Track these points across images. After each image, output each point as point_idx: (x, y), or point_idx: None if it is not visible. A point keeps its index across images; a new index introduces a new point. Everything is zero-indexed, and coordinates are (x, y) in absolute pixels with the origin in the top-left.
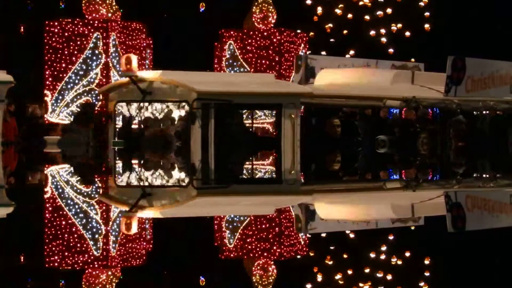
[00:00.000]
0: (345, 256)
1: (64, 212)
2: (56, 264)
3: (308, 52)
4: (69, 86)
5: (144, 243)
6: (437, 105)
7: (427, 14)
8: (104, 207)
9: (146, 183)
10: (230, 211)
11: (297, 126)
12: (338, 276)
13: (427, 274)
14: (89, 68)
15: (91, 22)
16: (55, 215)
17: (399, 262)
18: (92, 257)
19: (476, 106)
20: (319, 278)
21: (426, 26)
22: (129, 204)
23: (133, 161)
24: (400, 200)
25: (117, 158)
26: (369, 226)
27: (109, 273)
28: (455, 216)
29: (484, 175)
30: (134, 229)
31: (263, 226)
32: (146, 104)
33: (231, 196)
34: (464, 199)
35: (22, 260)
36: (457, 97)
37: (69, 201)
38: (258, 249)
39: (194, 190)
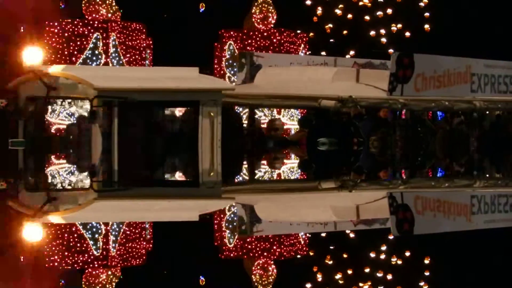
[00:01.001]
0: (345, 256)
1: None
2: (56, 264)
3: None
4: None
5: (144, 243)
6: (379, 105)
7: (427, 14)
8: None
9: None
10: (143, 217)
11: (217, 124)
12: (338, 276)
13: (427, 274)
14: None
15: (91, 22)
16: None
17: (399, 262)
18: (92, 257)
19: (428, 106)
20: (319, 277)
21: (426, 26)
22: (34, 209)
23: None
24: (343, 201)
25: (25, 159)
26: (327, 229)
27: (109, 273)
28: (401, 219)
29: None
30: (39, 235)
31: None
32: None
33: (136, 200)
34: (413, 201)
35: (22, 260)
36: (404, 97)
37: None
38: (258, 249)
39: (94, 193)
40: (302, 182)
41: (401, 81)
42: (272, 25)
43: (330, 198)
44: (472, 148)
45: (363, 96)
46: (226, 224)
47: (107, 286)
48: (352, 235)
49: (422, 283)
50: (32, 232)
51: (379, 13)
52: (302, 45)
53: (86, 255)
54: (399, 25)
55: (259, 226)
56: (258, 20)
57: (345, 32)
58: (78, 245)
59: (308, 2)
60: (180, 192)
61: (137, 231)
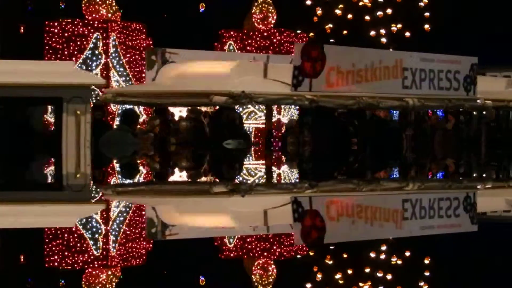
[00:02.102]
0: (345, 255)
1: None
2: (56, 264)
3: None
4: None
5: (144, 243)
6: (280, 102)
7: (427, 14)
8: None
9: None
10: (16, 223)
11: (86, 123)
12: (338, 276)
13: (427, 274)
14: (89, 68)
15: (91, 22)
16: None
17: (399, 262)
18: (92, 257)
19: (345, 102)
20: (319, 277)
21: (426, 26)
22: None
23: None
24: (248, 206)
25: None
26: (256, 232)
27: (109, 273)
28: (308, 226)
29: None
30: None
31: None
32: None
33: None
34: (325, 206)
35: (22, 260)
36: (312, 93)
37: None
38: (258, 248)
39: None
40: (195, 184)
41: (309, 75)
42: (272, 25)
43: (233, 202)
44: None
45: (261, 92)
46: None
47: (107, 286)
48: None
49: (422, 283)
50: None
51: (379, 13)
52: None
53: (86, 255)
54: (399, 25)
55: (173, 229)
56: (258, 20)
57: (345, 32)
58: (78, 245)
59: (308, 2)
60: (44, 196)
61: (137, 231)
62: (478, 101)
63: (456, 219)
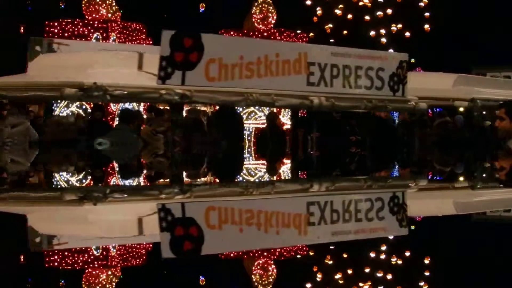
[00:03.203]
0: (345, 255)
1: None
2: (56, 264)
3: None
4: None
5: (144, 243)
6: (143, 96)
7: (427, 14)
8: None
9: None
10: None
11: None
12: (338, 276)
13: (427, 274)
14: None
15: (91, 22)
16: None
17: (399, 262)
18: (92, 257)
19: (229, 99)
20: (319, 277)
21: (426, 26)
22: None
23: None
24: (120, 214)
25: None
26: (139, 240)
27: (109, 273)
28: (180, 237)
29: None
30: None
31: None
32: None
33: None
34: (203, 213)
35: (22, 260)
36: (185, 87)
37: None
38: (258, 248)
39: None
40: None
41: (181, 67)
42: (272, 25)
43: (103, 210)
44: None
45: (119, 84)
46: None
47: (107, 286)
48: None
49: (422, 283)
50: None
51: (379, 13)
52: None
53: (86, 255)
54: (399, 25)
55: (62, 238)
56: (258, 20)
57: (345, 32)
58: None
59: (308, 2)
60: None
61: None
62: (412, 102)
63: (380, 222)
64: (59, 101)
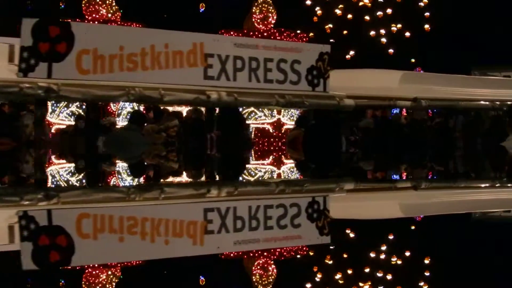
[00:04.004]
0: (345, 255)
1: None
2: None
3: None
4: None
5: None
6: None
7: (427, 14)
8: None
9: None
10: None
11: None
12: (338, 276)
13: (427, 274)
14: None
15: (91, 22)
16: None
17: (399, 262)
18: None
19: (109, 94)
20: (319, 277)
21: (426, 26)
22: None
23: None
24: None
25: None
26: (11, 248)
27: (109, 273)
28: (45, 247)
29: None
30: None
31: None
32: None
33: None
34: (74, 221)
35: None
36: (51, 80)
37: None
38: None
39: None
40: None
41: (46, 58)
42: (272, 25)
43: None
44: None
45: None
46: None
47: (107, 286)
48: (352, 235)
49: (422, 283)
50: None
51: (379, 13)
52: None
53: None
54: (399, 25)
55: None
56: (258, 20)
57: (345, 32)
58: None
59: (308, 2)
60: None
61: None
62: (336, 98)
63: (295, 230)
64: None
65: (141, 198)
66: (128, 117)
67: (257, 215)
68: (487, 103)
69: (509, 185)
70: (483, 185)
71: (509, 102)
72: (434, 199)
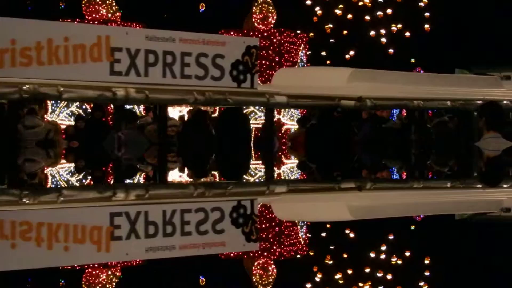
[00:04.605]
0: (345, 255)
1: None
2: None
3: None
4: None
5: None
6: None
7: (427, 14)
8: None
9: None
10: None
11: None
12: (338, 276)
13: (427, 274)
14: None
15: (91, 22)
16: None
17: (399, 262)
18: None
19: (2, 91)
20: (319, 277)
21: (426, 26)
22: None
23: None
24: None
25: None
26: None
27: (109, 273)
28: None
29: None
30: None
31: (263, 225)
32: None
33: None
34: None
35: None
36: None
37: None
38: (258, 248)
39: None
40: None
41: None
42: (272, 25)
43: None
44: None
45: None
46: None
47: (107, 286)
48: (352, 235)
49: (422, 283)
50: None
51: (379, 13)
52: (302, 45)
53: None
54: (399, 25)
55: None
56: (258, 20)
57: (345, 32)
58: None
59: (308, 2)
60: None
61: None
62: (266, 95)
63: (218, 236)
64: (58, 102)
65: (36, 201)
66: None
67: (172, 220)
68: (448, 102)
69: (478, 186)
70: (448, 186)
71: (479, 102)
72: (387, 201)
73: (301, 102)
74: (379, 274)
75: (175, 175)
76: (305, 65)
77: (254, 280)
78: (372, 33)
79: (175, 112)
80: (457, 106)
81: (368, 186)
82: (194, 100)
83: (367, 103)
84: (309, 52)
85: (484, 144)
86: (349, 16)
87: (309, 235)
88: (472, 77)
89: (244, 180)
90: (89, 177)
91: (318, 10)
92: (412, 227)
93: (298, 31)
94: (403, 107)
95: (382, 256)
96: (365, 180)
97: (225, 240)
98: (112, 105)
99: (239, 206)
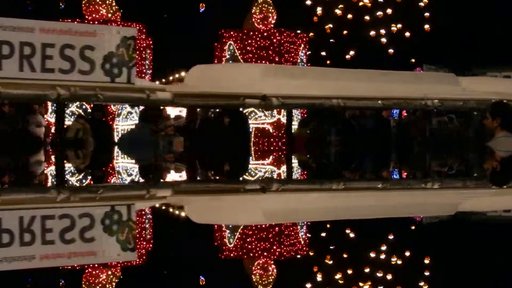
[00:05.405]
0: (345, 255)
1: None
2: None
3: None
4: None
5: (144, 243)
6: None
7: (427, 14)
8: None
9: None
10: None
11: None
12: (338, 276)
13: (427, 274)
14: None
15: (91, 22)
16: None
17: (399, 262)
18: None
19: None
20: (319, 277)
21: (426, 26)
22: None
23: None
24: None
25: None
26: None
27: (109, 273)
28: None
29: None
30: None
31: (263, 225)
32: None
33: None
34: None
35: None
36: None
37: None
38: (258, 248)
39: None
40: None
41: None
42: (272, 25)
43: None
44: None
45: None
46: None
47: (107, 286)
48: (352, 235)
49: (422, 283)
50: None
51: (379, 13)
52: (302, 45)
53: None
54: (399, 25)
55: None
56: (258, 20)
57: (345, 32)
58: None
59: (308, 2)
60: None
61: (137, 231)
62: (146, 91)
63: (88, 245)
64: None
65: None
66: (138, 116)
67: (31, 228)
68: (379, 101)
69: (434, 187)
70: (379, 187)
71: (422, 101)
72: (307, 204)
73: (188, 101)
74: (379, 274)
75: (174, 176)
76: (305, 65)
77: (254, 280)
78: (372, 33)
79: (175, 111)
80: (390, 105)
81: (275, 187)
82: (57, 96)
83: (273, 102)
84: (309, 52)
85: (497, 143)
86: (349, 16)
87: (309, 235)
88: (425, 74)
89: (117, 184)
90: (89, 177)
91: (318, 10)
92: (412, 227)
93: (298, 31)
94: (319, 106)
95: (382, 256)
96: (270, 182)
97: (95, 250)
98: (112, 105)
99: (113, 212)
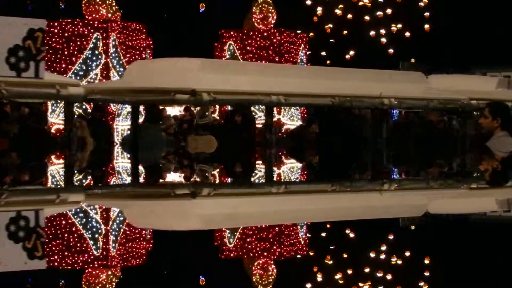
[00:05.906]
0: (345, 255)
1: (64, 212)
2: (56, 263)
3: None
4: None
5: (144, 243)
6: None
7: (427, 14)
8: (104, 207)
9: None
10: None
11: None
12: (338, 276)
13: (427, 274)
14: (89, 68)
15: (91, 22)
16: (55, 214)
17: (399, 262)
18: (92, 257)
19: None
20: (319, 277)
21: (426, 26)
22: None
23: None
24: None
25: None
26: None
27: (109, 272)
28: None
29: None
30: None
31: (263, 225)
32: None
33: None
34: None
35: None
36: None
37: None
38: (258, 248)
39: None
40: None
41: None
42: (272, 25)
43: None
44: None
45: None
46: None
47: (107, 286)
48: (352, 235)
49: (422, 283)
50: None
51: (379, 13)
52: (302, 45)
53: (86, 255)
54: (399, 25)
55: None
56: (258, 20)
57: (345, 32)
58: (78, 245)
59: (308, 2)
60: None
61: (137, 231)
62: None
63: None
64: (58, 102)
65: None
66: (144, 115)
67: None
68: (316, 98)
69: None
70: (328, 190)
71: (376, 99)
72: (248, 208)
73: (103, 96)
74: (379, 274)
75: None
76: (305, 65)
77: (254, 280)
78: (372, 33)
79: (174, 111)
80: (342, 102)
81: (206, 192)
82: None
83: (204, 97)
84: (309, 52)
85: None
86: (349, 16)
87: (309, 235)
88: (388, 72)
89: (25, 188)
90: (89, 177)
91: (318, 10)
92: (412, 227)
93: (298, 31)
94: (256, 102)
95: (382, 256)
96: (201, 186)
97: None
98: (112, 105)
99: (19, 218)
